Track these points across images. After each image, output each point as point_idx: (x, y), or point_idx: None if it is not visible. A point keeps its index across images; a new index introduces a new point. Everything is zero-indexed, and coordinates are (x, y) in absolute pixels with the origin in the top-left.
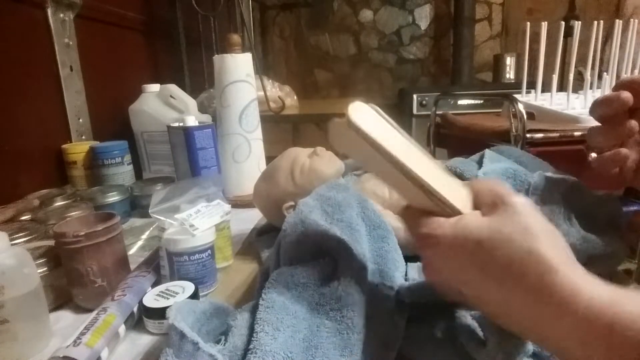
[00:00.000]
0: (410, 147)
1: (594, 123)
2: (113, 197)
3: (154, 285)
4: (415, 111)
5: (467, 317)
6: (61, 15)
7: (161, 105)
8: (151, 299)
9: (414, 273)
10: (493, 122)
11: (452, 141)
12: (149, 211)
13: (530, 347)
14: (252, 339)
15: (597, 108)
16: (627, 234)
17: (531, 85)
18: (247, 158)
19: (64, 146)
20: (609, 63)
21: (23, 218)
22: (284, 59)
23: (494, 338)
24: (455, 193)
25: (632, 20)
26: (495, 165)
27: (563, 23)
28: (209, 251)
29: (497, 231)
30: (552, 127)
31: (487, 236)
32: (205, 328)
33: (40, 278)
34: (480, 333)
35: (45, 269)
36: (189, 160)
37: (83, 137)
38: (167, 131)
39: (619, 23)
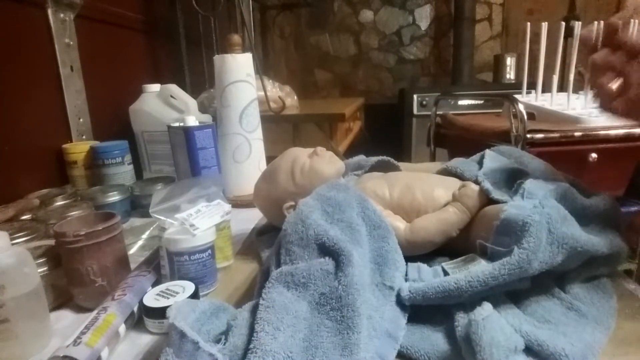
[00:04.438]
0: None
1: (594, 124)
2: (113, 197)
3: (154, 284)
4: (415, 111)
5: (465, 318)
6: (61, 15)
7: (161, 105)
8: (151, 299)
9: (414, 273)
10: (493, 122)
11: (452, 141)
12: (149, 211)
13: None
14: (253, 338)
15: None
16: (627, 234)
17: (531, 86)
18: (247, 158)
19: (64, 146)
20: None
21: (23, 217)
22: (284, 59)
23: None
24: None
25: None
26: (495, 166)
27: (563, 23)
28: (209, 251)
29: None
30: (552, 128)
31: None
32: (206, 328)
33: (41, 277)
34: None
35: (45, 268)
36: (189, 160)
37: (83, 137)
38: (168, 131)
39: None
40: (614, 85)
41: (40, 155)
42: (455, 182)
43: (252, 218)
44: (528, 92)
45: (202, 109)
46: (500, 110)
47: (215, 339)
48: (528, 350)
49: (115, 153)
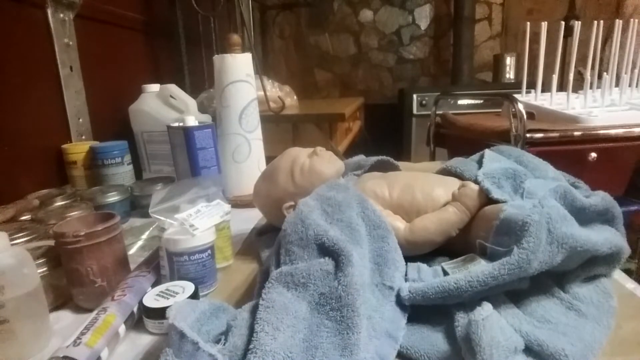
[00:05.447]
0: None
1: (593, 123)
2: (113, 197)
3: (154, 285)
4: (415, 111)
5: (465, 318)
6: (61, 15)
7: (161, 105)
8: (151, 299)
9: (414, 273)
10: (493, 122)
11: (452, 141)
12: (149, 211)
13: None
14: (252, 339)
15: None
16: (627, 234)
17: (531, 85)
18: (247, 158)
19: (64, 146)
20: (609, 63)
21: (23, 218)
22: (284, 59)
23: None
24: None
25: (632, 20)
26: (495, 165)
27: (563, 23)
28: (209, 251)
29: None
30: (552, 127)
31: None
32: (205, 328)
33: (40, 278)
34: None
35: (45, 269)
36: (189, 160)
37: (83, 137)
38: (167, 131)
39: (619, 23)
40: None
41: (39, 156)
42: (454, 182)
43: (252, 218)
44: (528, 92)
45: (202, 109)
46: (500, 110)
47: (215, 339)
48: (528, 350)
49: (114, 153)
